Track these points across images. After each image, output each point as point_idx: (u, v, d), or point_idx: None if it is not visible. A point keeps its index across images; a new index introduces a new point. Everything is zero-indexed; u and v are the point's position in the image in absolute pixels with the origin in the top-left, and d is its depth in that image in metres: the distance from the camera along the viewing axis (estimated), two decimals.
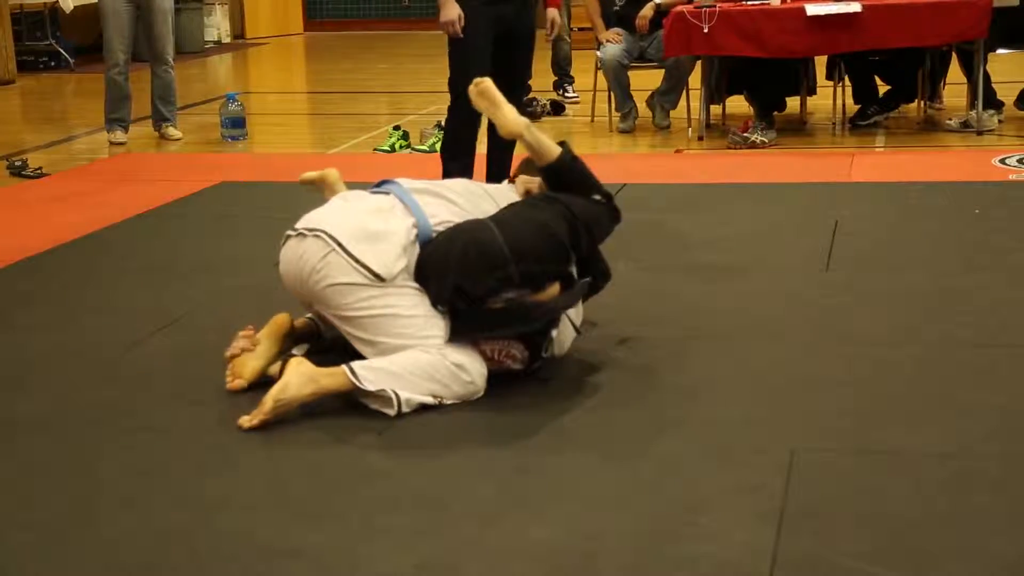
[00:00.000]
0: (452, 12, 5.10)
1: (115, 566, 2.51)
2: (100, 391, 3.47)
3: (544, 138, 3.61)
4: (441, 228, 3.34)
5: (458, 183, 3.67)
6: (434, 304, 3.26)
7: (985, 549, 2.44)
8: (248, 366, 3.38)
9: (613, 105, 7.64)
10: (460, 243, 3.26)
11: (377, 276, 3.21)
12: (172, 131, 7.82)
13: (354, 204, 3.43)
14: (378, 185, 3.52)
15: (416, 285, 3.27)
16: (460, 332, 3.25)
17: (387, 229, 3.29)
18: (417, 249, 3.30)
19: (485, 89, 3.66)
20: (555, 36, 5.48)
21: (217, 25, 14.12)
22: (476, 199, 3.52)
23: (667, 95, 7.59)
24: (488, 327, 3.24)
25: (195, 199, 6.00)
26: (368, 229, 3.28)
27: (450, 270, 3.23)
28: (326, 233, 3.27)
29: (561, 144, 3.62)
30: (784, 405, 3.21)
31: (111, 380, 3.55)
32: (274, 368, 3.36)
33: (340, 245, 3.24)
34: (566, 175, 3.56)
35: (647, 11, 7.42)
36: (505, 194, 3.65)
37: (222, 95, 8.30)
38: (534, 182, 3.67)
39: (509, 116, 3.62)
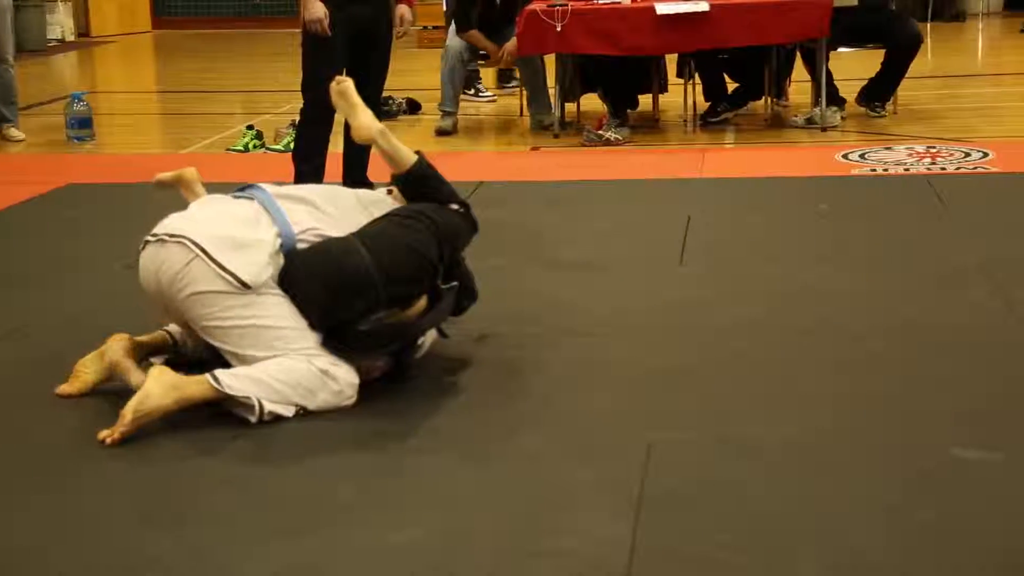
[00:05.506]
0: (318, 10, 5.05)
1: None
2: None
3: (400, 145, 3.57)
4: (307, 236, 3.27)
5: (327, 189, 3.60)
6: None
7: (838, 535, 2.52)
8: (80, 378, 3.31)
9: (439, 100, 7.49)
10: (328, 267, 3.20)
11: (243, 284, 3.13)
12: (14, 132, 7.57)
13: (218, 209, 3.33)
14: (242, 189, 3.41)
15: (282, 293, 3.19)
16: (333, 354, 3.21)
17: (254, 237, 3.20)
18: (281, 259, 3.22)
19: (345, 89, 3.62)
20: (404, 33, 5.49)
21: (60, 23, 13.68)
22: (345, 206, 3.45)
23: (534, 101, 7.54)
24: (360, 349, 3.22)
25: (40, 202, 5.81)
26: (234, 237, 3.18)
27: (319, 294, 3.18)
28: (189, 239, 3.16)
29: (417, 153, 3.60)
30: (641, 398, 3.26)
31: None
32: (137, 377, 3.25)
33: (204, 251, 3.14)
34: (423, 183, 3.54)
35: (510, 46, 7.33)
36: (377, 202, 3.55)
37: (67, 94, 8.05)
38: None
39: (364, 121, 3.58)
